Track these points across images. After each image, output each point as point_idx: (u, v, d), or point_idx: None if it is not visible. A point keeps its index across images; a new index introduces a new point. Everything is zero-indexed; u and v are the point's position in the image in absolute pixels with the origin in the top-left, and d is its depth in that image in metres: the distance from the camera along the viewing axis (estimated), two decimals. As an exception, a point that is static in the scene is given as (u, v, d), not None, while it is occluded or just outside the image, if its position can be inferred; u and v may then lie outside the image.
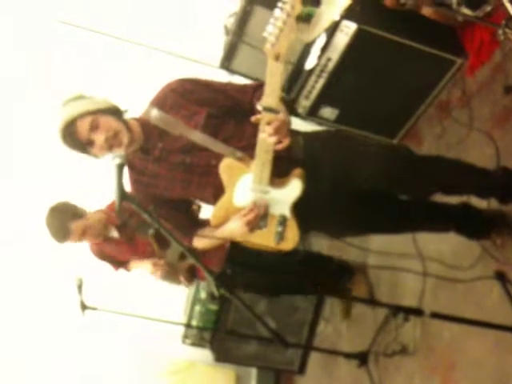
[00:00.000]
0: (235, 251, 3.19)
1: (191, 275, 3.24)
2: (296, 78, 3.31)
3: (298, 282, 3.64)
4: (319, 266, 3.66)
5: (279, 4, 1.63)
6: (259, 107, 1.87)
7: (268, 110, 1.85)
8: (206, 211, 2.31)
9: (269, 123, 1.88)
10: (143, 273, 3.28)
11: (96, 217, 3.06)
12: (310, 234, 4.39)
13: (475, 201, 2.59)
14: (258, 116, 1.90)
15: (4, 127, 4.14)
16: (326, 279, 3.67)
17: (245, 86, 2.27)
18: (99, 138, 2.06)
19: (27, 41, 4.07)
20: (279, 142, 1.93)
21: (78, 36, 4.03)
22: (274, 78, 1.75)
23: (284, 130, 1.93)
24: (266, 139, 1.90)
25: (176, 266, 3.12)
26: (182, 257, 3.09)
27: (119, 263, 3.29)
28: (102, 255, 3.24)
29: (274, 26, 1.63)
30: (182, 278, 3.20)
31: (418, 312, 2.19)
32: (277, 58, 1.69)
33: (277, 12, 1.62)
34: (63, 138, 2.07)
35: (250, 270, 3.34)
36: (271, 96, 1.81)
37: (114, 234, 3.13)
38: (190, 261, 3.09)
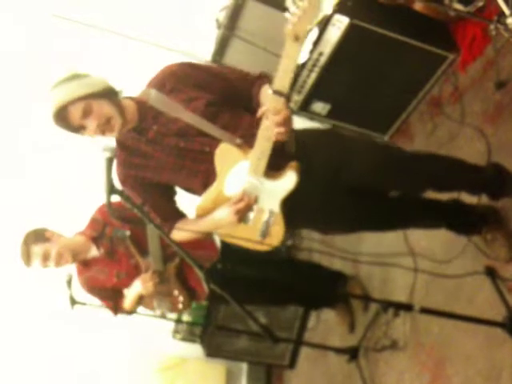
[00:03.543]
0: (227, 247, 3.18)
1: (185, 288, 3.15)
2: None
3: (290, 291, 3.61)
4: (311, 275, 3.62)
5: None
6: (269, 90, 1.83)
7: (278, 93, 1.78)
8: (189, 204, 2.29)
9: (277, 113, 1.83)
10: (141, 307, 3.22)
11: (63, 242, 2.96)
12: (301, 232, 4.41)
13: (466, 197, 2.60)
14: (266, 104, 1.85)
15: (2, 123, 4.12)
16: (320, 288, 3.63)
17: (246, 75, 2.23)
18: (91, 124, 2.04)
19: (24, 35, 4.05)
20: (282, 134, 1.90)
21: (71, 30, 4.00)
22: (290, 60, 1.69)
23: (290, 122, 1.90)
24: (273, 129, 1.86)
25: (165, 275, 3.05)
26: (166, 260, 3.01)
27: (112, 298, 3.16)
28: (92, 287, 3.13)
29: (297, 6, 1.57)
30: (176, 293, 3.11)
31: (407, 307, 2.19)
32: (296, 39, 1.63)
33: None
34: (55, 122, 2.05)
35: (241, 267, 3.32)
36: (283, 79, 1.74)
37: (93, 252, 3.05)
38: (175, 262, 3.05)
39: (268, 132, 1.90)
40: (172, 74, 2.15)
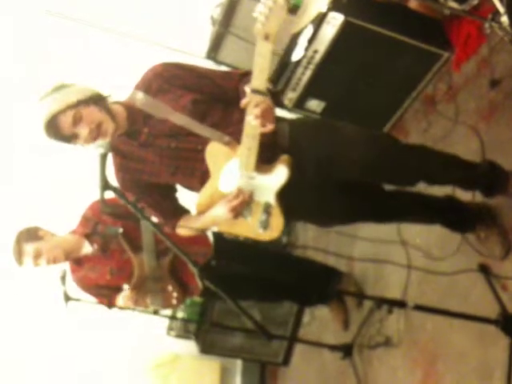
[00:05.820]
0: (220, 243, 3.18)
1: (178, 283, 3.14)
2: (283, 69, 3.30)
3: (284, 287, 3.61)
4: (305, 271, 3.61)
5: None
6: (247, 89, 1.85)
7: (256, 92, 1.82)
8: (190, 199, 2.30)
9: (256, 106, 1.85)
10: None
11: (55, 240, 2.96)
12: (296, 227, 4.42)
13: (460, 194, 2.60)
14: (246, 99, 1.87)
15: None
16: (314, 284, 3.62)
17: (230, 73, 2.26)
18: (83, 131, 2.04)
19: (16, 33, 4.04)
20: (264, 125, 1.91)
21: (63, 27, 3.99)
22: (263, 59, 1.72)
23: (270, 113, 1.91)
24: (251, 121, 1.88)
25: (158, 274, 3.05)
26: (159, 256, 3.01)
27: (107, 295, 3.15)
28: (86, 285, 3.13)
29: (264, 5, 1.60)
30: (170, 288, 3.10)
31: (401, 304, 2.20)
32: (266, 37, 1.65)
33: None
34: (47, 134, 2.05)
35: (236, 263, 3.32)
36: (259, 78, 1.78)
37: (87, 249, 3.04)
38: (169, 257, 3.04)
39: (251, 128, 1.91)
40: (158, 74, 2.15)
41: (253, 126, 1.90)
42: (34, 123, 2.06)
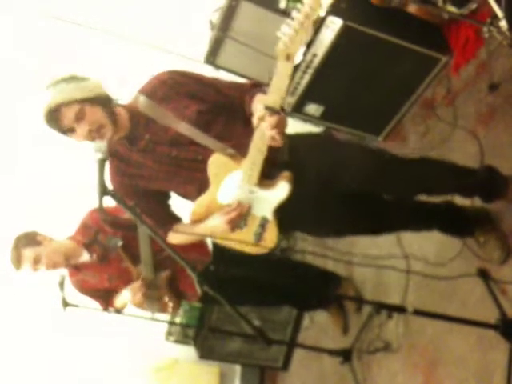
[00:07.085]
0: (219, 248, 3.17)
1: (174, 294, 3.14)
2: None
3: (283, 292, 3.59)
4: (304, 276, 3.59)
5: (298, 5, 1.62)
6: (261, 105, 1.85)
7: (270, 109, 1.82)
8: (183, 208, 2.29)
9: (272, 126, 1.85)
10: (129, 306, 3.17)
11: (54, 246, 2.94)
12: (295, 234, 4.40)
13: (459, 199, 2.60)
14: (259, 114, 1.85)
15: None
16: (313, 289, 3.60)
17: (237, 84, 2.25)
18: (82, 128, 2.03)
19: (16, 34, 4.04)
20: (275, 140, 1.90)
21: (62, 29, 3.99)
22: (282, 79, 1.74)
23: (283, 126, 1.91)
24: (265, 131, 1.87)
25: (156, 283, 3.03)
26: (157, 268, 2.99)
27: (104, 296, 3.16)
28: (83, 289, 3.13)
29: (289, 27, 1.62)
30: (166, 299, 3.10)
31: (400, 309, 2.19)
32: (288, 58, 1.68)
33: (294, 13, 1.61)
34: (46, 121, 2.04)
35: (234, 268, 3.31)
36: (275, 96, 1.79)
37: (85, 256, 3.03)
38: (167, 272, 3.04)
39: (259, 142, 1.91)
40: (163, 82, 2.15)
41: (262, 140, 1.90)
42: (35, 119, 2.05)
